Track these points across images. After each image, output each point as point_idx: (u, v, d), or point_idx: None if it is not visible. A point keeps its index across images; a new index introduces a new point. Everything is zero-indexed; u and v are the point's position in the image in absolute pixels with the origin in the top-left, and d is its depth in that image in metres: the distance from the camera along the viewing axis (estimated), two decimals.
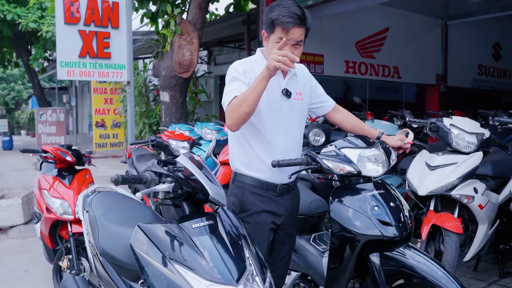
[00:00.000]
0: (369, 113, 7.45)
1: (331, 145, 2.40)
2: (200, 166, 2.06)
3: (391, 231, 2.23)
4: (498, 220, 3.83)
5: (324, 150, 2.38)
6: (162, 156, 6.43)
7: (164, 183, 1.90)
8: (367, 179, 2.39)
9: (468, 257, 3.60)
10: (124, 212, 2.64)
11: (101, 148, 14.25)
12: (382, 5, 9.83)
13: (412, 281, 2.20)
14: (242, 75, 2.31)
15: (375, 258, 2.26)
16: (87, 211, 2.75)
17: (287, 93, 2.39)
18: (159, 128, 8.78)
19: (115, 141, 14.40)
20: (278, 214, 2.46)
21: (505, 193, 3.95)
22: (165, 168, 1.93)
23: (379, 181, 2.42)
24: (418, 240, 3.43)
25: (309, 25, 2.30)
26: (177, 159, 2.03)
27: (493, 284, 3.96)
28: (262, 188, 2.41)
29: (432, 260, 2.21)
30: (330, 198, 2.40)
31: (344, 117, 2.71)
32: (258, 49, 2.49)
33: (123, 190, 3.02)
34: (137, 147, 5.07)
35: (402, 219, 2.28)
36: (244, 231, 2.10)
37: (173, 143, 4.69)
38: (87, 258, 3.59)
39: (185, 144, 4.69)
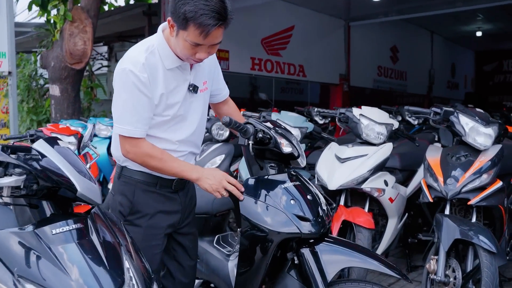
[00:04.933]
0: (275, 109, 7.27)
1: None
2: (66, 154, 1.61)
3: (309, 227, 1.97)
4: (407, 214, 3.74)
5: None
6: None
7: (10, 175, 1.43)
8: (282, 168, 2.13)
9: (378, 252, 3.45)
10: None
11: None
12: (287, 3, 9.78)
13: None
14: (144, 85, 1.89)
15: (306, 252, 2.02)
16: None
17: (194, 89, 2.04)
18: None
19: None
20: (174, 211, 2.12)
21: (412, 185, 3.89)
22: (13, 156, 1.46)
23: (293, 172, 2.14)
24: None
25: (230, 21, 1.86)
26: (34, 145, 1.56)
27: (401, 279, 3.86)
28: (155, 185, 2.06)
29: (362, 248, 2.13)
30: (243, 190, 2.08)
31: (231, 112, 2.38)
32: (160, 29, 1.99)
33: None
34: (12, 142, 4.37)
35: (320, 214, 2.03)
36: (126, 236, 1.69)
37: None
38: None
39: (72, 139, 4.11)
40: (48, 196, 1.57)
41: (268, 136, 2.03)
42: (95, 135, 5.90)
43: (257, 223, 2.00)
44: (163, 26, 1.99)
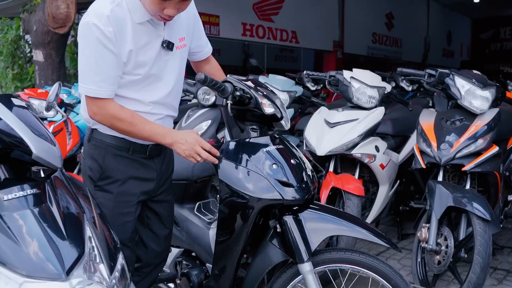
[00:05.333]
0: (266, 75, 7.08)
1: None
2: (22, 114, 1.46)
3: (292, 194, 1.83)
4: (398, 181, 3.63)
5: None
6: None
7: None
8: (264, 130, 1.98)
9: (368, 220, 3.35)
10: None
11: None
12: None
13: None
14: (109, 40, 1.71)
15: (289, 220, 1.89)
16: None
17: (168, 46, 1.86)
18: None
19: None
20: (149, 179, 1.98)
21: (405, 152, 3.76)
22: None
23: (276, 135, 2.00)
24: None
25: None
26: None
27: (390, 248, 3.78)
28: (128, 150, 1.90)
29: (350, 216, 2.02)
30: (218, 154, 1.95)
31: (214, 72, 2.20)
32: None
33: None
34: None
35: (305, 179, 1.90)
36: (92, 203, 1.55)
37: (35, 103, 3.91)
38: None
39: (59, 110, 3.92)
40: (1, 159, 1.42)
41: (248, 95, 1.88)
42: (80, 102, 5.71)
43: (237, 189, 1.87)
44: None
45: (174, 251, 2.51)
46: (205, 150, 1.85)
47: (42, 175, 1.56)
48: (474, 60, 18.96)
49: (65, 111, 4.54)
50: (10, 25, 8.81)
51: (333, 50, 11.72)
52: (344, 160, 3.30)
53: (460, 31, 18.52)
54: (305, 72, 3.47)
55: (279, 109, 1.94)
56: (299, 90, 3.93)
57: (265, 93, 1.93)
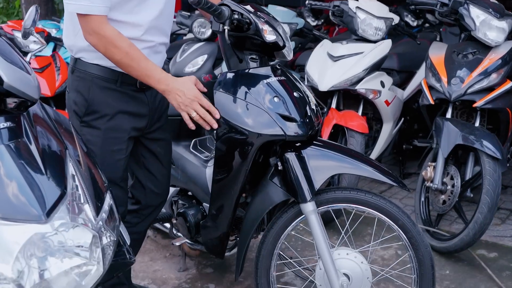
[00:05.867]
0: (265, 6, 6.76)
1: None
2: None
3: (295, 129, 1.71)
4: (402, 119, 3.49)
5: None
6: None
7: None
8: (265, 60, 1.82)
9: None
10: None
11: None
12: None
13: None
14: None
15: (292, 157, 1.78)
16: None
17: None
18: None
19: None
20: (140, 114, 1.83)
21: (410, 88, 3.60)
22: None
23: (278, 66, 1.83)
24: None
25: None
26: None
27: (396, 186, 3.71)
28: (116, 81, 1.75)
29: (355, 153, 1.96)
30: (215, 86, 1.81)
31: None
32: None
33: None
34: None
35: (309, 114, 1.76)
36: (76, 139, 1.41)
37: (19, 36, 3.67)
38: None
39: (37, 37, 3.70)
40: None
41: (248, 20, 1.69)
42: None
43: (235, 124, 1.74)
44: None
45: (170, 190, 2.41)
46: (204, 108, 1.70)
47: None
48: None
49: (54, 47, 4.32)
50: None
51: None
52: (347, 96, 3.15)
53: None
54: (307, 1, 3.25)
55: (281, 37, 1.77)
56: (301, 22, 3.70)
57: (266, 19, 1.75)
